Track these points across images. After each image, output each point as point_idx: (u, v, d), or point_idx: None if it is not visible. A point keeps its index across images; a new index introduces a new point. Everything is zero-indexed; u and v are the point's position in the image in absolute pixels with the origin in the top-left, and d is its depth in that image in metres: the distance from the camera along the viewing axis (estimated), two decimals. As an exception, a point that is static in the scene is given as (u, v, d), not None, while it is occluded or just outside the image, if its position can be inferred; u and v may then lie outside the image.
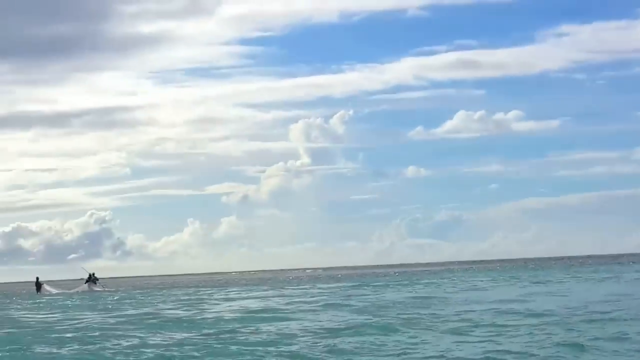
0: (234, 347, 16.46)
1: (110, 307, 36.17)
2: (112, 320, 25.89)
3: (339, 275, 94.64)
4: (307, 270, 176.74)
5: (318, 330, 19.39)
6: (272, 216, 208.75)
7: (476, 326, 18.98)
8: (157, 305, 35.66)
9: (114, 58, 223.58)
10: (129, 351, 16.40)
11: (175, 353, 15.98)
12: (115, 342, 18.36)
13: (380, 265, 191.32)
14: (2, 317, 31.60)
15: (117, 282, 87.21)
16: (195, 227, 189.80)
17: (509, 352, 14.49)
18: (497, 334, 17.34)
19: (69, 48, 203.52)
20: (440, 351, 15.00)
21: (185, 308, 32.05)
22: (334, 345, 16.14)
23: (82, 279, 69.46)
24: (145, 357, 15.55)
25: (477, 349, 15.05)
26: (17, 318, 30.49)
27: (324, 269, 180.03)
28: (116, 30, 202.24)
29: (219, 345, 16.81)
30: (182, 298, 43.75)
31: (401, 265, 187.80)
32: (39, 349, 17.54)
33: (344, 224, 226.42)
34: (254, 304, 32.91)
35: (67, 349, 17.45)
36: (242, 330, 20.27)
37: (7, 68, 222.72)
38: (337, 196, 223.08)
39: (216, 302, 37.29)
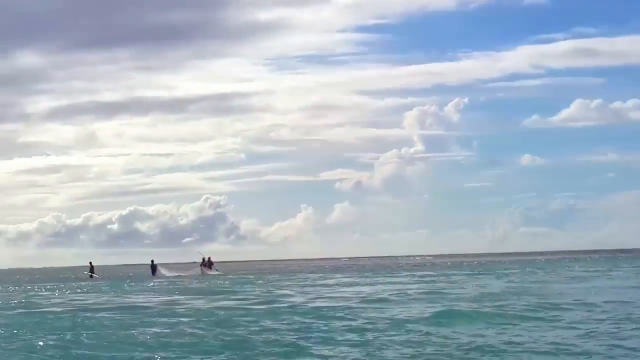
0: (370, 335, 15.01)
1: (228, 290, 35.39)
2: (231, 303, 24.90)
3: (448, 264, 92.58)
4: (417, 258, 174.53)
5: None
6: (385, 203, 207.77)
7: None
8: (271, 290, 34.69)
9: (230, 45, 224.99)
10: (264, 334, 15.15)
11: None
12: (244, 324, 17.21)
13: (493, 254, 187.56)
14: (120, 300, 31.12)
15: (229, 267, 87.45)
16: (308, 213, 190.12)
17: None
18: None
19: (187, 35, 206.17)
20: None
21: (304, 293, 30.86)
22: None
23: (194, 262, 69.48)
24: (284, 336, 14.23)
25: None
26: (136, 301, 29.90)
27: (435, 256, 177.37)
28: (234, 17, 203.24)
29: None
30: (300, 283, 42.80)
31: (515, 253, 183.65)
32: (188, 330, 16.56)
33: (456, 211, 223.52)
34: (381, 289, 31.55)
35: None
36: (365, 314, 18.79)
37: (126, 55, 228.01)
38: (451, 184, 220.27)
39: (333, 287, 36.06)
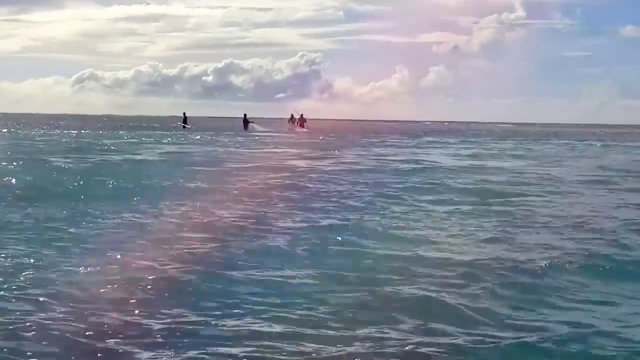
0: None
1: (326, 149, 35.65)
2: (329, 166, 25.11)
3: (530, 131, 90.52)
4: (509, 125, 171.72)
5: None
6: (481, 68, 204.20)
7: None
8: (372, 149, 34.86)
9: None
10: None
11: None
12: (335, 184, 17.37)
13: (588, 125, 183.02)
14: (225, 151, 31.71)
15: (320, 124, 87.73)
16: (403, 75, 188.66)
17: None
18: None
19: None
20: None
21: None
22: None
23: (286, 118, 69.29)
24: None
25: None
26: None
27: (528, 125, 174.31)
28: None
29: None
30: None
31: (610, 126, 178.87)
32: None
33: (553, 80, 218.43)
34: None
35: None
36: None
37: None
38: (550, 52, 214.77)
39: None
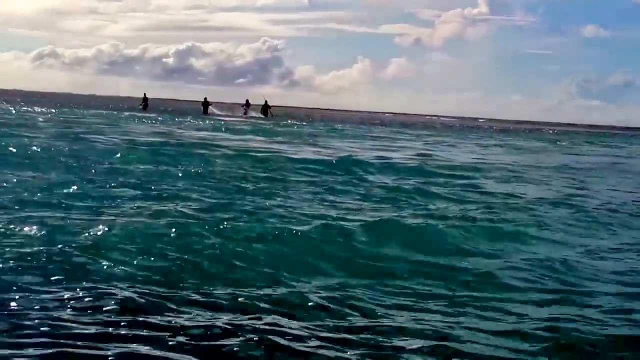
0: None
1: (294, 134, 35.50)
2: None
3: (494, 128, 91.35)
4: (467, 119, 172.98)
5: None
6: (443, 62, 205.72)
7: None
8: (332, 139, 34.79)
9: None
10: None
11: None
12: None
13: (545, 123, 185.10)
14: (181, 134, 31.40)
15: (282, 111, 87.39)
16: (365, 65, 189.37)
17: None
18: None
19: None
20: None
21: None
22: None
23: (245, 102, 68.94)
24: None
25: None
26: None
27: (487, 120, 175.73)
28: None
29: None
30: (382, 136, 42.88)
31: (567, 124, 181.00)
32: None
33: (513, 76, 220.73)
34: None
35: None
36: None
37: None
38: (511, 48, 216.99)
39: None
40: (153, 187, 12.61)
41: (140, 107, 66.52)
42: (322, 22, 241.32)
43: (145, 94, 69.66)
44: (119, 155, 18.13)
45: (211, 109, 65.76)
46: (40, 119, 35.93)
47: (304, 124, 59.36)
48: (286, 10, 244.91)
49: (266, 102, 66.42)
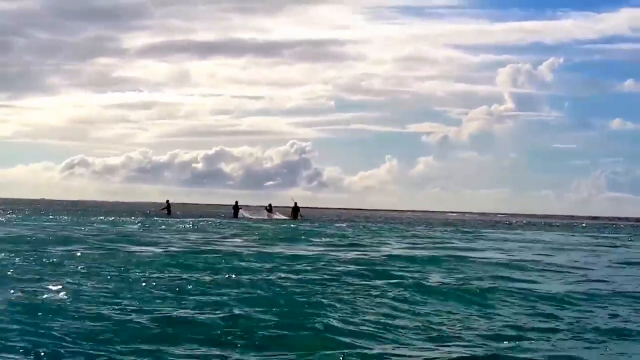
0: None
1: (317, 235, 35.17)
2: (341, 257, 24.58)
3: (521, 222, 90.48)
4: (499, 215, 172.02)
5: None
6: (470, 159, 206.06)
7: None
8: (361, 238, 34.39)
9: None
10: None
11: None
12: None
13: (575, 216, 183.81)
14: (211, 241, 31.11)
15: (310, 213, 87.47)
16: (393, 164, 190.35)
17: None
18: None
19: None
20: None
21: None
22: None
23: (267, 206, 67.75)
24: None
25: None
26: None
27: (515, 215, 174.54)
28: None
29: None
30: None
31: (597, 217, 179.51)
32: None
33: (541, 172, 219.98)
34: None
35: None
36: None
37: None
38: (538, 144, 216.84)
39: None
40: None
41: (164, 211, 69.27)
42: (349, 122, 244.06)
43: (167, 200, 72.92)
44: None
45: (241, 212, 65.78)
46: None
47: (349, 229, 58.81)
48: (312, 113, 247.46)
49: (295, 204, 66.09)
